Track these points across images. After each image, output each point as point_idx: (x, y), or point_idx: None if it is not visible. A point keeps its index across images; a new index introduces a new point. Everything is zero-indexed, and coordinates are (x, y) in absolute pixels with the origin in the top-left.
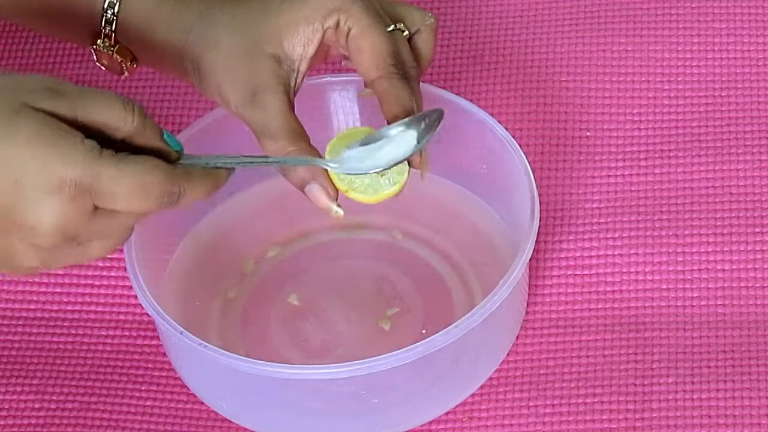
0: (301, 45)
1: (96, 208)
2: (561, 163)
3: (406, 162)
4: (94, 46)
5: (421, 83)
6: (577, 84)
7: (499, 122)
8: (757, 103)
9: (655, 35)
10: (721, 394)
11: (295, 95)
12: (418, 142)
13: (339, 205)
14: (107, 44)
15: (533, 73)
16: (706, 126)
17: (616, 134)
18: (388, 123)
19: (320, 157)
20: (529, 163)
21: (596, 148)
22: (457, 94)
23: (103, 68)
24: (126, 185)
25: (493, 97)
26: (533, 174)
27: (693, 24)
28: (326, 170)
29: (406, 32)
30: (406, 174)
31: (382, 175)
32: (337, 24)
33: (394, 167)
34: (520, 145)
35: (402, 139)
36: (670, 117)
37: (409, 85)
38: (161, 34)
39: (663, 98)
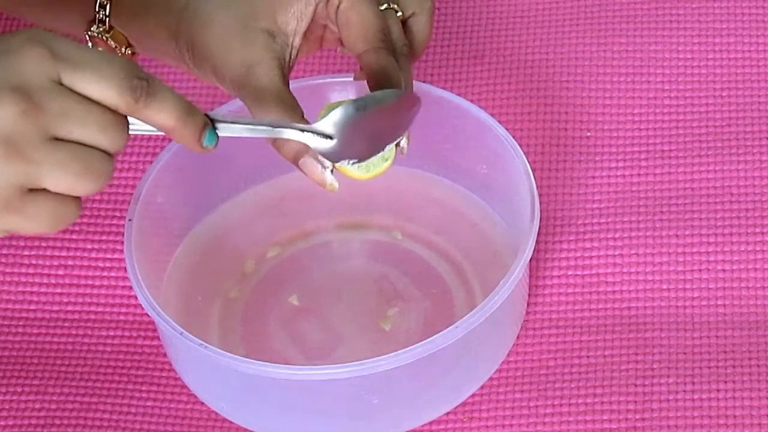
0: (294, 19)
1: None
2: (561, 163)
3: None
4: (89, 33)
5: (421, 83)
6: (577, 84)
7: (499, 122)
8: (758, 103)
9: (655, 35)
10: (722, 394)
11: (290, 70)
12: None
13: (334, 178)
14: (102, 30)
15: (533, 73)
16: (707, 126)
17: (616, 134)
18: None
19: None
20: (529, 163)
21: (596, 148)
22: (457, 94)
23: None
24: (89, 69)
25: (493, 97)
26: (533, 174)
27: (693, 24)
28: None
29: (401, 13)
30: (394, 151)
31: None
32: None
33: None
34: (520, 145)
35: None
36: (671, 117)
37: (397, 62)
38: (155, 16)
39: (663, 98)
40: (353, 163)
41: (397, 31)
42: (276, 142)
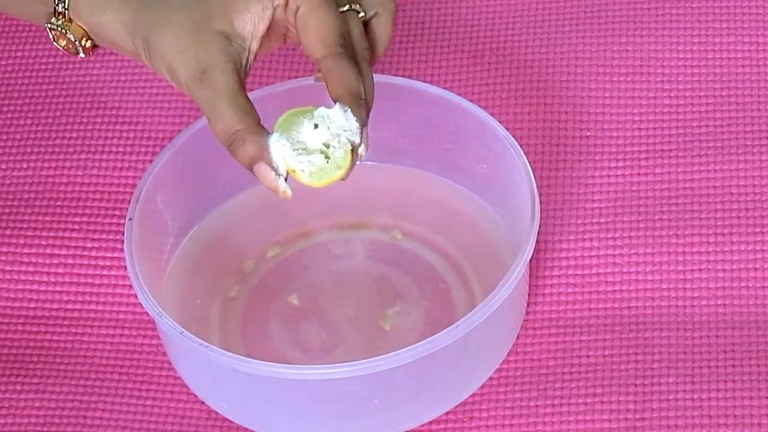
0: (251, 23)
1: None
2: (561, 163)
3: (350, 147)
4: (49, 25)
5: (421, 83)
6: (577, 84)
7: (499, 122)
8: (758, 103)
9: (655, 35)
10: (722, 394)
11: (246, 74)
12: (360, 127)
13: (287, 186)
14: (61, 22)
15: (533, 73)
16: (707, 126)
17: (616, 134)
18: (334, 103)
19: (267, 133)
20: (529, 163)
21: (596, 148)
22: (457, 94)
23: (61, 48)
24: None
25: (493, 97)
26: (533, 174)
27: (693, 24)
28: (273, 146)
29: (363, 14)
30: (349, 159)
31: (327, 161)
32: (287, 2)
33: (339, 152)
34: (520, 145)
35: (348, 118)
36: (671, 117)
37: (357, 66)
38: (112, 11)
39: (663, 98)
40: (303, 171)
41: (359, 34)
42: (231, 146)
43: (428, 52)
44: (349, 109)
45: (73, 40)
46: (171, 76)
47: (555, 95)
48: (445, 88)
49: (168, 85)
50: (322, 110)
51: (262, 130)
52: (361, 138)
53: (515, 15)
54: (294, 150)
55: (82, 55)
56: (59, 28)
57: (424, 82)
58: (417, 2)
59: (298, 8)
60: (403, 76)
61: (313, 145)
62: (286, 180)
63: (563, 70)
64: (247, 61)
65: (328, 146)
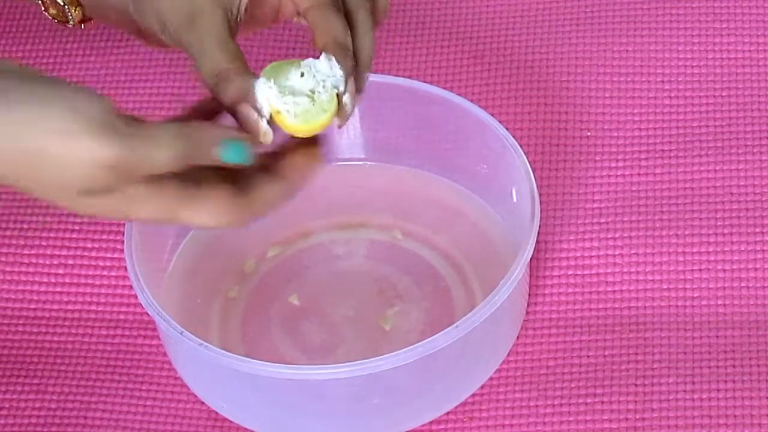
0: None
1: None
2: (561, 163)
3: (335, 92)
4: None
5: (421, 83)
6: (577, 84)
7: (500, 122)
8: (758, 103)
9: (655, 35)
10: (722, 394)
11: (237, 26)
12: (345, 76)
13: (269, 128)
14: None
15: (533, 73)
16: (707, 126)
17: (616, 134)
18: (319, 52)
19: (254, 75)
20: (529, 163)
21: (596, 148)
22: (457, 94)
23: (51, 18)
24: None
25: (493, 97)
26: (533, 174)
27: (693, 24)
28: (259, 87)
29: None
30: (335, 104)
31: (313, 102)
32: None
33: (324, 95)
34: (520, 145)
35: (333, 66)
36: (671, 117)
37: (353, 16)
38: None
39: (663, 98)
40: (288, 112)
41: None
42: (217, 86)
43: (428, 52)
44: (334, 58)
45: (62, 4)
46: (160, 25)
47: (555, 95)
48: (445, 88)
49: (168, 85)
50: (308, 60)
51: (250, 72)
52: (346, 87)
53: (515, 15)
54: (279, 92)
55: (71, 23)
56: None
57: (424, 82)
58: (417, 2)
59: None
60: (403, 76)
61: (299, 90)
62: (269, 123)
63: (563, 70)
64: (238, 10)
65: (314, 92)
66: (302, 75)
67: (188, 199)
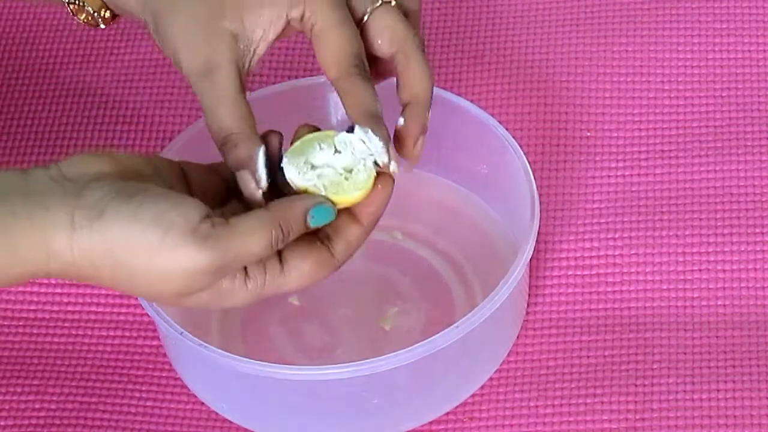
0: (261, 28)
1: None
2: (561, 163)
3: (374, 172)
4: (67, 0)
5: None
6: (577, 84)
7: (499, 122)
8: (758, 103)
9: (655, 35)
10: (722, 394)
11: (248, 75)
12: (385, 145)
13: (264, 201)
14: None
15: (533, 73)
16: (707, 126)
17: (616, 134)
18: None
19: (260, 143)
20: (529, 163)
21: (596, 148)
22: (457, 94)
23: (82, 23)
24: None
25: (493, 97)
26: (533, 174)
27: (693, 24)
28: (261, 157)
29: (393, 2)
30: (372, 179)
31: (346, 178)
32: (302, 16)
33: (362, 174)
34: (520, 145)
35: (370, 139)
36: (670, 117)
37: (370, 84)
38: None
39: (663, 98)
40: (315, 186)
41: (403, 28)
42: (223, 147)
43: (428, 52)
44: (370, 130)
45: (91, 12)
46: (175, 62)
47: (555, 95)
48: (445, 89)
49: (169, 84)
50: (342, 136)
51: (255, 138)
52: (389, 155)
53: (515, 15)
54: (311, 168)
55: (102, 26)
56: (77, 2)
57: None
58: None
59: (313, 25)
60: None
61: (333, 166)
62: (264, 194)
63: (563, 70)
64: (250, 63)
65: (350, 171)
66: (336, 152)
67: (276, 277)
